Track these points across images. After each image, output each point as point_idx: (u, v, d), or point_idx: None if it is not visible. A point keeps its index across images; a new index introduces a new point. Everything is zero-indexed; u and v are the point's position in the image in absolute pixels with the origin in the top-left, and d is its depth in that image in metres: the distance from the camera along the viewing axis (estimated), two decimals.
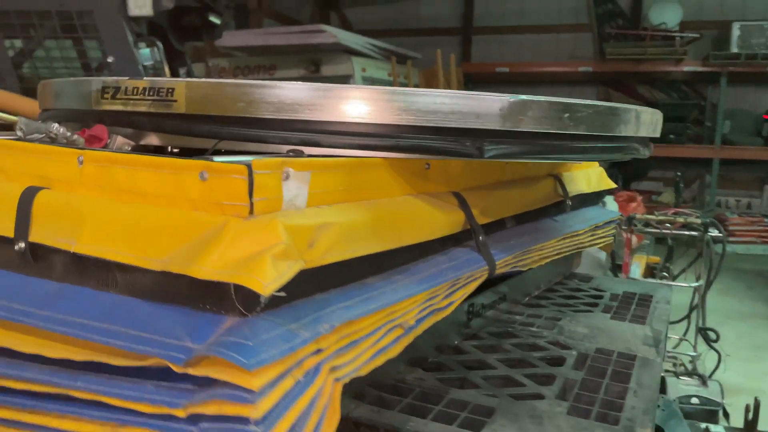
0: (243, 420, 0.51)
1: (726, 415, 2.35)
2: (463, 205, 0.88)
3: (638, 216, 2.99)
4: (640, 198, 3.92)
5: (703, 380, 2.47)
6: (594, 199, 1.50)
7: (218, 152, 0.74)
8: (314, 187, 0.64)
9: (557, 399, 0.85)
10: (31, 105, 1.28)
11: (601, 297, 1.38)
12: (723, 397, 2.38)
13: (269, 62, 4.73)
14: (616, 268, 3.12)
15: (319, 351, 0.58)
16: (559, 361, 0.98)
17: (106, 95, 0.78)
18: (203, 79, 0.74)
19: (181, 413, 0.54)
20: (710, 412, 2.35)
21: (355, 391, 0.82)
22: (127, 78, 0.76)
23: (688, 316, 2.84)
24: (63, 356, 0.60)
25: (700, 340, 2.68)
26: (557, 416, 0.80)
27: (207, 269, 0.54)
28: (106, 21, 1.99)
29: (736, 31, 5.79)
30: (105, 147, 0.80)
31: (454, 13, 7.78)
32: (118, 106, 0.77)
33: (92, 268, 0.64)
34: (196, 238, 0.58)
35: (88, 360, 0.59)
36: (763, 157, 6.08)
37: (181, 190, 0.60)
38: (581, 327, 1.15)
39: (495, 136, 0.74)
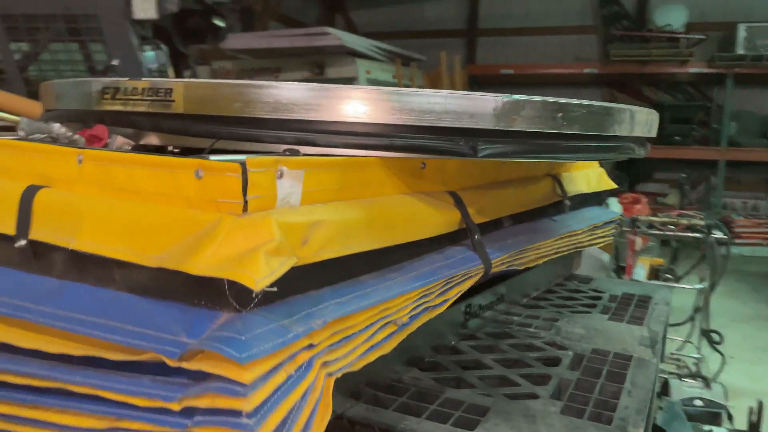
0: (235, 413, 0.52)
1: (730, 417, 2.34)
2: (459, 204, 0.89)
3: (641, 218, 2.98)
4: (645, 200, 3.91)
5: (707, 382, 2.46)
6: (594, 199, 1.50)
7: (217, 152, 0.75)
8: (308, 185, 0.65)
9: (551, 399, 0.85)
10: (34, 107, 1.30)
11: (599, 298, 1.39)
12: (727, 400, 2.37)
13: (274, 64, 4.76)
14: (620, 269, 3.12)
15: (311, 346, 0.58)
16: (555, 362, 0.99)
17: (106, 96, 0.79)
18: (201, 80, 0.75)
19: (175, 406, 0.55)
20: (713, 414, 2.34)
21: (351, 390, 0.83)
22: (127, 79, 0.78)
23: (692, 318, 2.83)
24: (62, 351, 0.61)
25: (705, 342, 2.67)
26: (551, 415, 0.80)
27: (201, 265, 0.55)
28: (111, 24, 2.01)
29: (741, 33, 5.77)
30: (105, 146, 0.81)
31: (459, 15, 7.80)
32: (117, 107, 0.78)
33: (91, 265, 0.65)
34: (192, 235, 0.59)
35: (86, 355, 0.60)
36: None
37: (177, 188, 0.61)
38: (578, 328, 1.16)
39: (489, 135, 0.75)
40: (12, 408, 0.64)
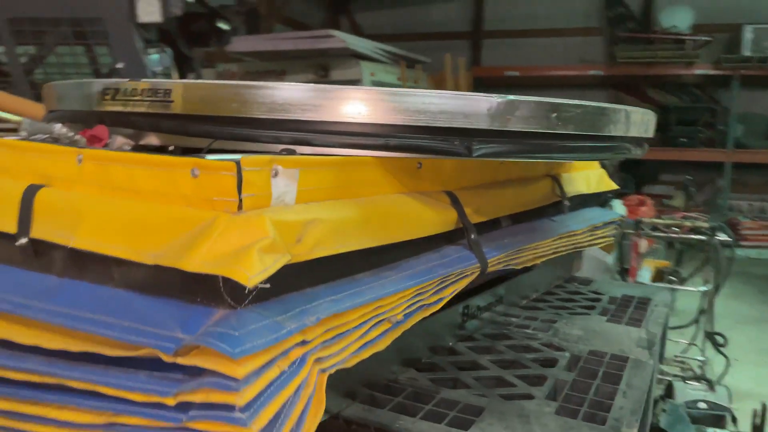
0: (228, 407, 0.53)
1: (734, 420, 2.32)
2: (456, 203, 0.89)
3: (645, 220, 2.98)
4: (650, 202, 3.90)
5: (711, 385, 2.45)
6: (594, 200, 1.51)
7: (216, 151, 0.76)
8: (303, 184, 0.66)
9: (547, 399, 0.86)
10: (37, 108, 1.31)
11: (599, 300, 1.39)
12: (731, 402, 2.36)
13: (279, 67, 4.78)
14: (624, 272, 3.11)
15: (305, 342, 0.59)
16: (551, 363, 0.99)
17: (106, 97, 0.80)
18: (199, 81, 0.76)
19: (170, 401, 0.56)
20: (717, 417, 2.33)
21: (347, 390, 0.83)
22: (127, 80, 0.79)
23: (696, 321, 2.82)
24: (61, 347, 0.62)
25: (709, 344, 2.66)
26: (545, 416, 0.81)
27: (196, 262, 0.56)
28: (116, 28, 2.03)
29: (747, 34, 5.75)
30: (106, 146, 0.82)
31: (464, 17, 7.80)
32: (118, 107, 0.80)
33: (90, 263, 0.66)
34: (188, 233, 0.60)
35: (85, 351, 0.61)
36: None
37: (174, 187, 0.62)
38: (576, 329, 1.16)
39: (484, 135, 0.76)
40: (13, 404, 0.65)
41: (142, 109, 0.78)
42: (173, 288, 0.61)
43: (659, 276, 3.47)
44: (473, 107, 0.74)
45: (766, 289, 4.77)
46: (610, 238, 1.44)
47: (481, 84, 6.92)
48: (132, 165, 0.66)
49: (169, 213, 0.62)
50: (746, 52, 5.77)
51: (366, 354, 0.67)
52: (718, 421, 2.31)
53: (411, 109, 0.73)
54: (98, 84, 0.82)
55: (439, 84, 5.51)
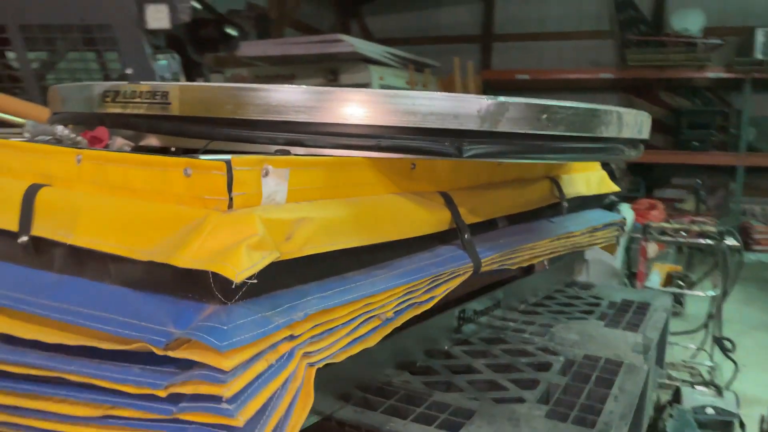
0: (216, 398, 0.54)
1: (742, 425, 2.30)
2: (450, 204, 0.90)
3: (653, 224, 2.96)
4: (661, 206, 3.87)
5: (719, 390, 2.43)
6: (595, 201, 1.51)
7: (212, 152, 0.78)
8: (295, 183, 0.68)
9: (538, 403, 0.86)
10: (43, 112, 1.35)
11: (598, 305, 1.39)
12: (739, 408, 2.34)
13: (289, 71, 4.82)
14: (632, 276, 3.09)
15: (293, 337, 0.61)
16: (545, 367, 0.99)
17: (107, 99, 0.82)
18: (196, 83, 0.78)
19: (162, 393, 0.57)
20: (725, 422, 2.31)
21: (341, 392, 0.85)
22: (127, 83, 0.81)
23: (705, 326, 2.80)
24: (58, 341, 0.64)
25: (718, 350, 2.64)
26: (535, 419, 0.81)
27: (187, 258, 0.58)
28: (125, 34, 2.07)
29: (760, 38, 5.70)
30: (106, 147, 0.85)
31: (475, 20, 7.81)
32: (118, 109, 0.82)
33: (87, 260, 0.68)
34: (180, 230, 0.62)
35: (81, 345, 0.63)
36: None
37: (167, 186, 0.64)
38: (573, 334, 1.16)
39: (475, 136, 0.77)
40: (13, 398, 0.67)
41: (141, 111, 0.80)
42: (167, 284, 0.63)
43: (669, 280, 3.45)
44: (464, 108, 0.75)
45: None
46: (612, 239, 1.44)
47: (491, 87, 6.92)
48: (128, 165, 0.68)
49: (163, 211, 0.64)
50: (758, 55, 5.71)
51: (355, 349, 0.68)
52: (726, 426, 2.29)
53: (402, 110, 0.75)
54: (99, 86, 0.84)
55: (448, 87, 5.51)
